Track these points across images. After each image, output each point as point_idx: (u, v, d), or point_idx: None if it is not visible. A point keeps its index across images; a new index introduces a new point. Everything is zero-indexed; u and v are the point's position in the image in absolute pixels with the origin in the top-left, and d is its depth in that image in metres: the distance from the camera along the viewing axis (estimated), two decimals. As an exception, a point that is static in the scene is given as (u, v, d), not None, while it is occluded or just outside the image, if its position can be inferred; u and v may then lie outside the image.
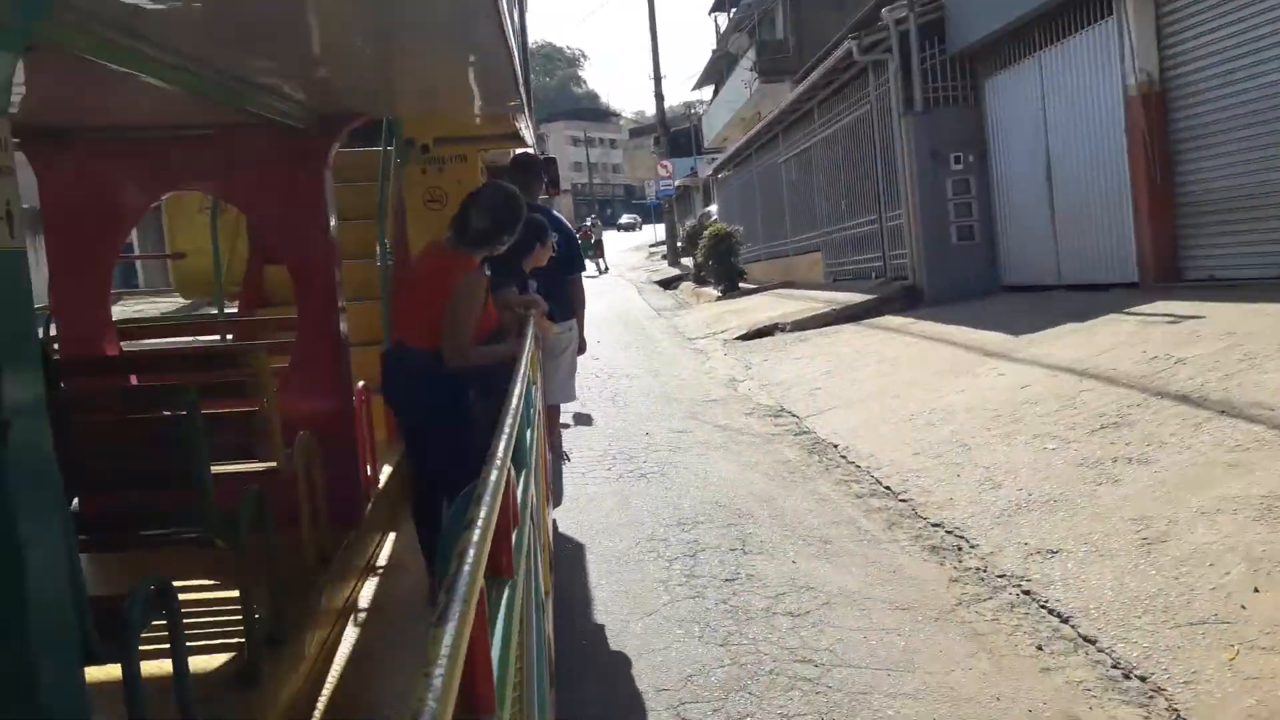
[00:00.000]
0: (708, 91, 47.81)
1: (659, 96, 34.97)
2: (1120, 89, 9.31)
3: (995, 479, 5.36)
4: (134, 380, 3.73)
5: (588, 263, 29.24)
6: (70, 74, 2.91)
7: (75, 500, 3.15)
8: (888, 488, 5.79)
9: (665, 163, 34.53)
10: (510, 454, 1.79)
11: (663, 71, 32.38)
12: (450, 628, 0.98)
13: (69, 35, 2.31)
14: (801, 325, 12.54)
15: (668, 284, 27.06)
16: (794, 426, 7.79)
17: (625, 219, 77.52)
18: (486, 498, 1.45)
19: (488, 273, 4.14)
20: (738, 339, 12.97)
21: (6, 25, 1.70)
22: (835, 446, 6.90)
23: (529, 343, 3.64)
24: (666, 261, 33.56)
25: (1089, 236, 10.24)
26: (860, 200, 14.82)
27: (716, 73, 41.24)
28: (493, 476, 1.57)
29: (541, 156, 8.20)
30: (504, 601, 1.57)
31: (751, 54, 29.12)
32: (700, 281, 22.51)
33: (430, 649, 0.93)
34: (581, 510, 5.85)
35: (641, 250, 50.17)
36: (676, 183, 33.04)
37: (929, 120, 12.21)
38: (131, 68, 2.66)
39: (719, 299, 18.97)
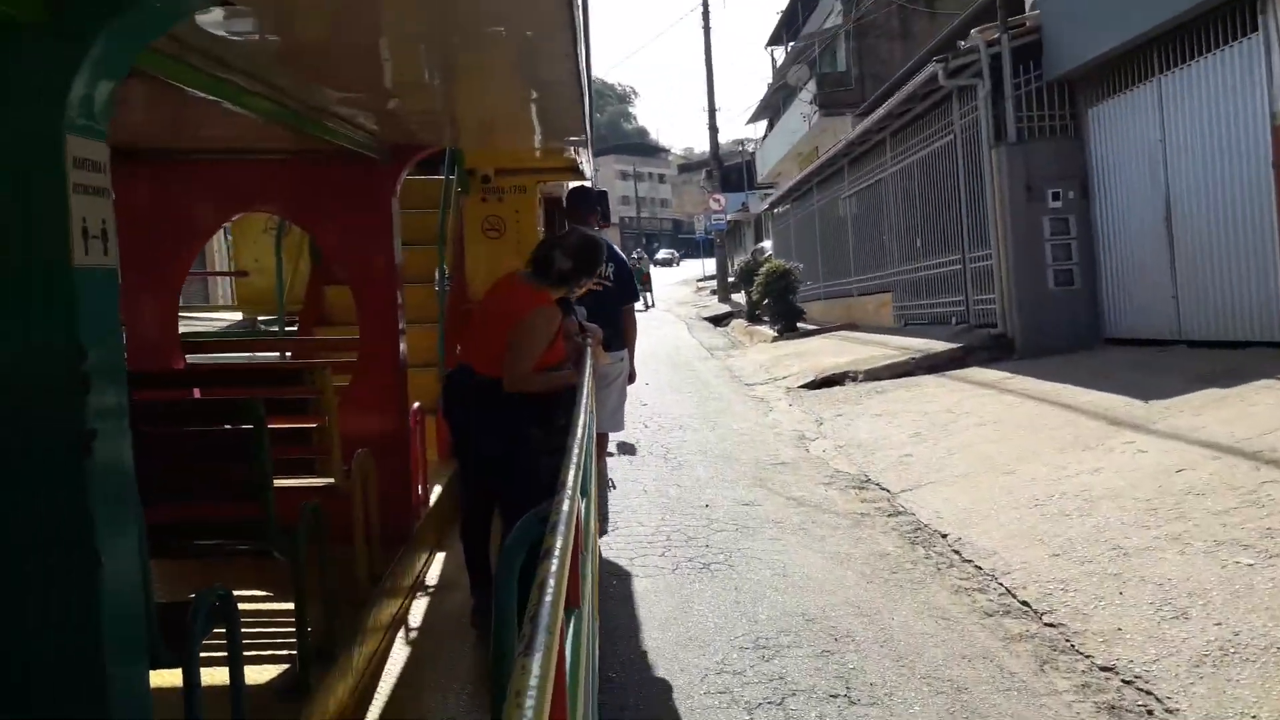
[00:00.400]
0: (761, 126, 47.31)
1: (713, 129, 34.14)
2: (1267, 117, 8.20)
3: (1177, 603, 4.12)
4: (197, 394, 3.80)
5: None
6: (157, 98, 3.01)
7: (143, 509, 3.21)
8: (1025, 603, 4.52)
9: (718, 196, 33.46)
10: (580, 483, 1.81)
11: (717, 105, 33.54)
12: (538, 658, 1.00)
13: (163, 64, 2.39)
14: (875, 374, 11.38)
15: (718, 321, 26.03)
16: (885, 504, 6.51)
17: (663, 254, 76.33)
18: (561, 527, 1.46)
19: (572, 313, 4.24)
20: (802, 387, 11.72)
21: (110, 55, 1.76)
22: (944, 536, 5.63)
23: (588, 372, 3.66)
24: (716, 297, 32.72)
25: (1221, 286, 9.04)
26: (939, 238, 13.72)
27: (772, 107, 40.84)
28: (565, 506, 1.59)
29: (595, 190, 8.25)
30: (572, 632, 1.58)
31: (811, 86, 28.28)
32: (754, 319, 21.68)
33: (518, 679, 0.95)
34: (632, 615, 4.72)
35: (689, 285, 48.02)
36: (728, 217, 32.09)
37: (1023, 152, 11.25)
38: (217, 95, 2.78)
39: (776, 339, 17.89)
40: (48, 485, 1.63)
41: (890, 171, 15.62)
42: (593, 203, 5.97)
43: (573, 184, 7.02)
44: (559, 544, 1.37)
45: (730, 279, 31.17)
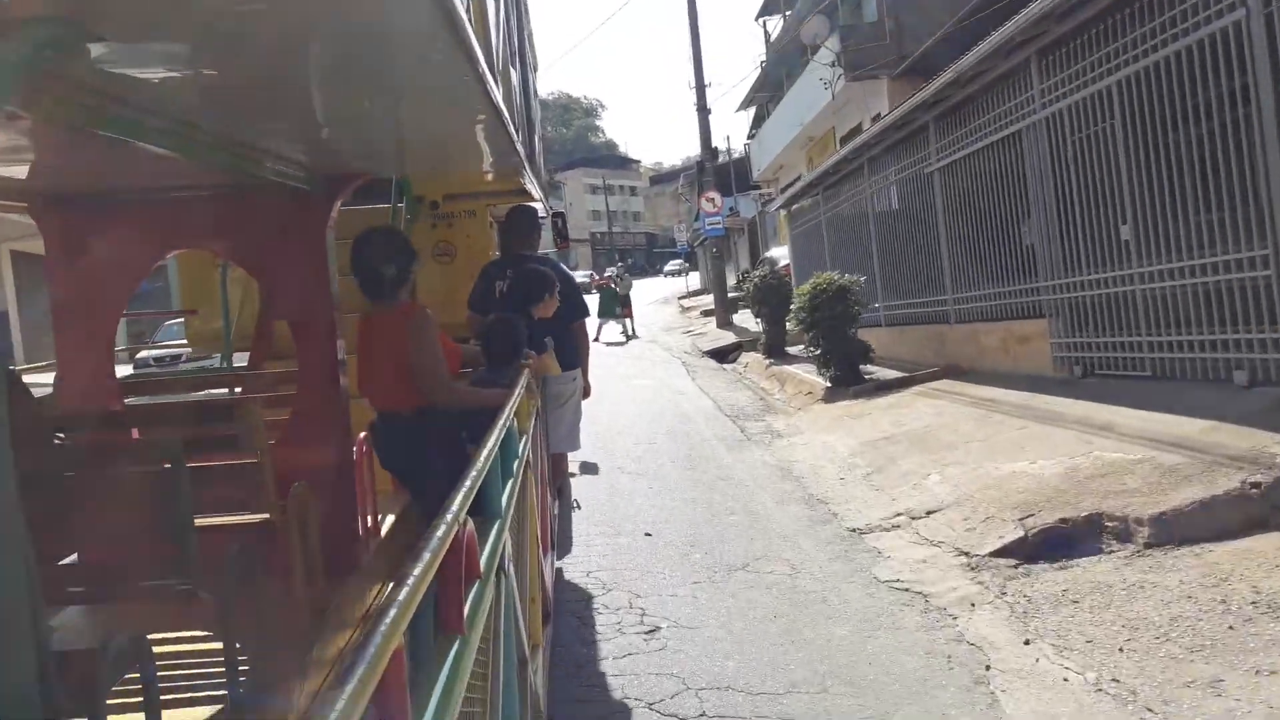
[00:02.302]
0: (747, 123, 41.37)
1: (702, 110, 26.19)
2: None
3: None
4: (135, 434, 3.75)
5: (613, 324, 26.27)
6: (70, 140, 2.97)
7: (73, 554, 3.16)
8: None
9: (712, 194, 26.25)
10: (466, 506, 1.78)
11: (706, 81, 26.16)
12: (347, 691, 0.96)
13: (53, 105, 2.35)
14: (1173, 521, 4.88)
15: (724, 355, 19.62)
16: None
17: (672, 265, 71.23)
18: (425, 553, 1.43)
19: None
20: (997, 556, 5.20)
21: None
22: None
23: (519, 390, 3.63)
24: (714, 320, 25.99)
25: None
26: (1187, 222, 7.18)
27: (768, 89, 33.66)
28: (439, 531, 1.55)
29: (551, 211, 8.25)
30: (449, 660, 1.54)
31: (834, 43, 21.30)
32: (775, 353, 16.07)
33: (316, 711, 0.91)
34: None
35: (669, 305, 39.57)
36: (723, 220, 25.21)
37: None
38: (120, 134, 2.72)
39: (834, 396, 11.28)
40: None
41: (1043, 115, 8.91)
42: (530, 224, 5.97)
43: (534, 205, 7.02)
44: (416, 570, 1.34)
45: (733, 297, 26.20)
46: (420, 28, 2.33)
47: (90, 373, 4.15)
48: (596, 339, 22.31)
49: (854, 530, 6.17)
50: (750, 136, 40.01)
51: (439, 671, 1.47)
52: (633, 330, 26.42)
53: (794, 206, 20.19)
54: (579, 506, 7.19)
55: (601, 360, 16.63)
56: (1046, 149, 8.95)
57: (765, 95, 34.43)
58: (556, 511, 5.74)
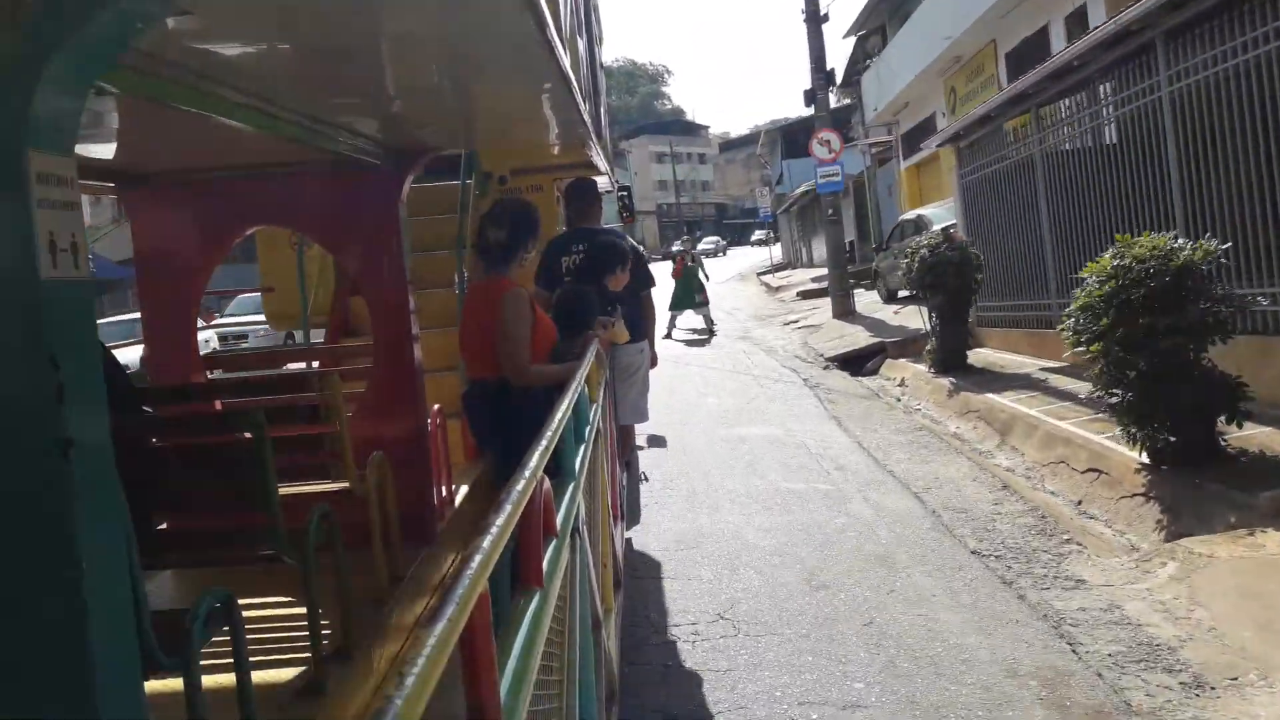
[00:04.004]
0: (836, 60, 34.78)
1: (814, 19, 18.55)
2: None
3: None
4: (217, 406, 3.86)
5: (688, 315, 19.52)
6: (153, 118, 3.06)
7: (162, 522, 3.26)
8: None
9: (826, 135, 18.24)
10: (542, 464, 1.80)
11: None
12: (438, 629, 0.98)
13: (139, 79, 2.41)
14: None
15: (857, 363, 13.28)
16: None
17: (706, 243, 63.89)
18: (507, 505, 1.45)
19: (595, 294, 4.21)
20: None
21: (71, 72, 1.79)
22: None
23: (589, 359, 3.66)
24: (825, 307, 19.31)
25: None
26: None
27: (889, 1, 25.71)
28: (518, 485, 1.57)
29: (617, 185, 8.25)
30: (530, 612, 1.56)
31: None
32: (950, 366, 10.38)
33: (409, 648, 0.93)
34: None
35: (747, 282, 33.88)
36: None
37: None
38: (202, 109, 2.79)
39: (1169, 481, 5.57)
40: (26, 495, 1.65)
41: None
42: (592, 197, 5.98)
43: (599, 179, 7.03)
44: (499, 520, 1.36)
45: (858, 274, 20.85)
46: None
47: (174, 346, 4.28)
48: (668, 336, 18.75)
49: None
50: (849, 80, 31.39)
51: (520, 623, 1.49)
52: (711, 324, 19.75)
53: (962, 144, 12.64)
54: (647, 479, 7.22)
55: (675, 375, 13.14)
56: None
57: (887, 7, 26.15)
58: (625, 483, 5.78)
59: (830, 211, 18.86)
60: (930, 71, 21.01)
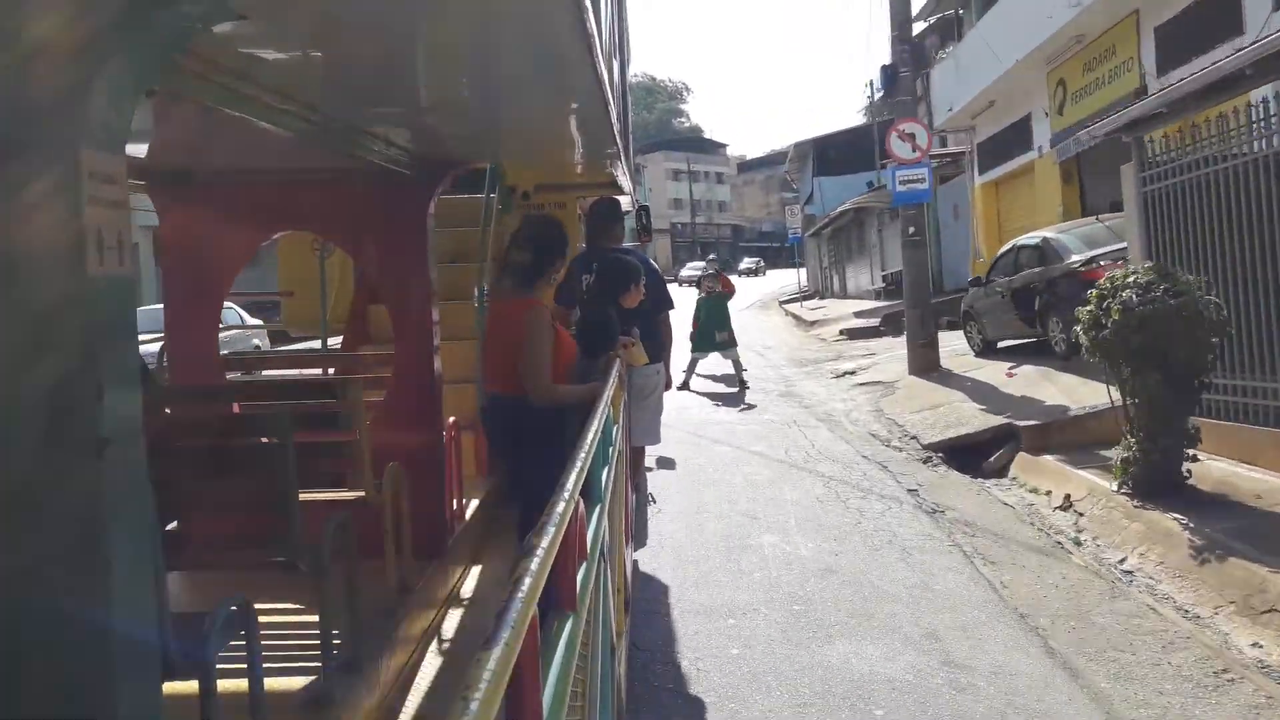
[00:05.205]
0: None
1: None
2: None
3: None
4: (235, 408, 3.86)
5: (710, 359, 13.79)
6: (191, 119, 3.07)
7: (175, 522, 3.25)
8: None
9: (910, 126, 13.88)
10: (579, 486, 1.79)
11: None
12: (496, 652, 0.97)
13: (189, 82, 2.43)
14: None
15: (968, 453, 8.59)
16: None
17: (746, 262, 61.99)
18: (550, 527, 1.44)
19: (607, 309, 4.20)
20: None
21: (126, 73, 1.80)
22: None
23: (612, 380, 3.66)
24: (890, 353, 15.55)
25: None
26: None
27: None
28: (559, 507, 1.57)
29: (637, 205, 8.26)
30: (564, 635, 1.55)
31: None
32: (1157, 486, 6.12)
33: (472, 672, 0.92)
34: None
35: (769, 312, 29.64)
36: (929, 172, 13.66)
37: None
38: (247, 113, 2.80)
39: None
40: (60, 492, 1.65)
41: None
42: (613, 216, 6.00)
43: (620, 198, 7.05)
44: (543, 543, 1.35)
45: (866, 308, 17.53)
46: (542, 7, 2.36)
47: (196, 348, 4.29)
48: (685, 386, 13.47)
49: None
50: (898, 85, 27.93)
51: (556, 645, 1.48)
52: (744, 374, 13.94)
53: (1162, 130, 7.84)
54: (654, 501, 7.20)
55: (700, 467, 8.54)
56: None
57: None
58: (634, 504, 5.77)
59: (911, 230, 13.93)
60: (1033, 59, 15.91)
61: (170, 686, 1.94)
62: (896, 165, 13.59)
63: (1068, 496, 6.85)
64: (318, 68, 2.82)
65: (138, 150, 3.66)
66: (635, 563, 5.69)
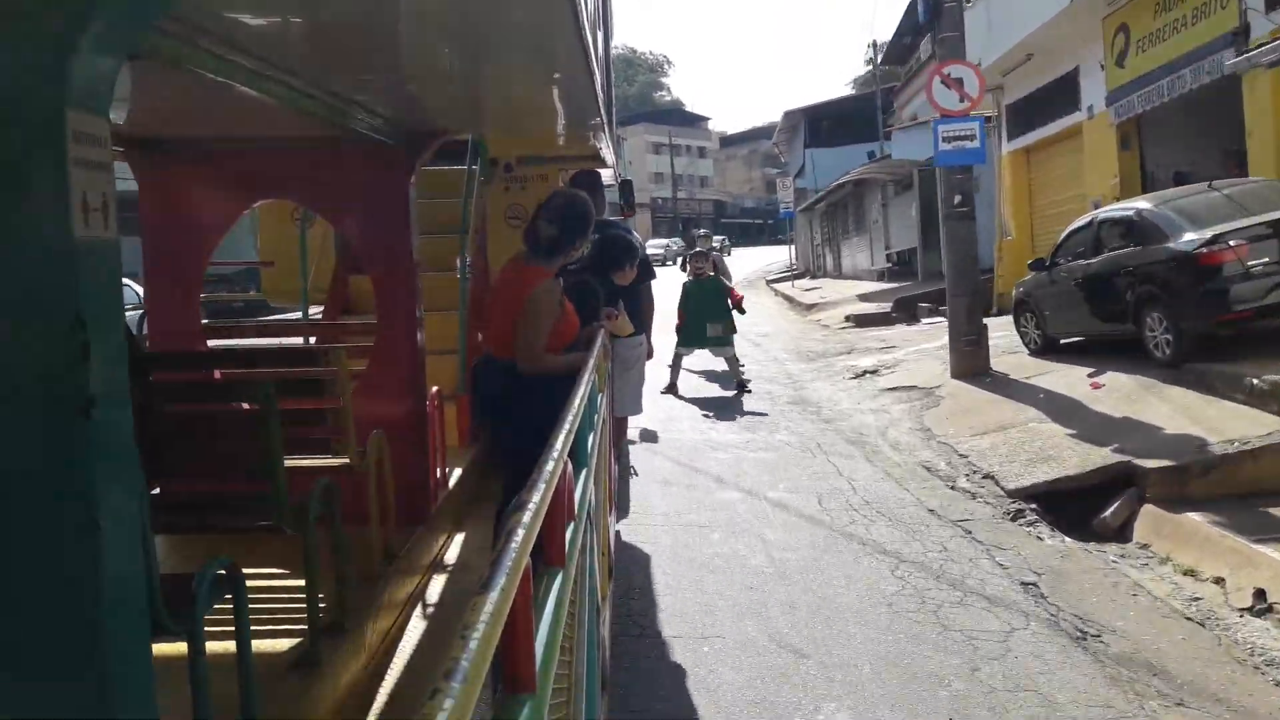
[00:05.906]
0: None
1: None
2: None
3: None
4: (218, 375, 3.85)
5: (705, 354, 11.52)
6: (172, 85, 3.05)
7: (158, 486, 3.25)
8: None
9: (958, 69, 10.74)
10: (567, 448, 1.82)
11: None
12: (493, 596, 1.00)
13: (172, 46, 2.41)
14: None
15: (1061, 498, 6.23)
16: None
17: (714, 241, 61.51)
18: (540, 484, 1.47)
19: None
20: None
21: (111, 33, 1.78)
22: None
23: (596, 350, 3.68)
24: (925, 348, 12.49)
25: None
26: None
27: None
28: (549, 466, 1.59)
29: (620, 179, 8.24)
30: (554, 589, 1.58)
31: None
32: None
33: (469, 614, 0.94)
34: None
35: (757, 288, 26.77)
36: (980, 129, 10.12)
37: None
38: (229, 79, 2.78)
39: None
40: (46, 453, 1.65)
41: None
42: (594, 189, 6.00)
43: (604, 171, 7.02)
44: (535, 497, 1.38)
45: (872, 289, 15.83)
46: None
47: (177, 315, 4.27)
48: (671, 389, 10.92)
49: None
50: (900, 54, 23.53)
51: (547, 597, 1.51)
52: (744, 376, 11.38)
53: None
54: (636, 473, 7.25)
55: (703, 531, 5.89)
56: None
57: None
58: (617, 474, 5.80)
59: (958, 199, 10.87)
60: (1076, 7, 12.89)
61: (159, 648, 1.96)
62: (940, 118, 10.62)
63: (1261, 593, 4.47)
64: (300, 34, 2.81)
65: (116, 117, 3.63)
66: (618, 533, 5.73)
